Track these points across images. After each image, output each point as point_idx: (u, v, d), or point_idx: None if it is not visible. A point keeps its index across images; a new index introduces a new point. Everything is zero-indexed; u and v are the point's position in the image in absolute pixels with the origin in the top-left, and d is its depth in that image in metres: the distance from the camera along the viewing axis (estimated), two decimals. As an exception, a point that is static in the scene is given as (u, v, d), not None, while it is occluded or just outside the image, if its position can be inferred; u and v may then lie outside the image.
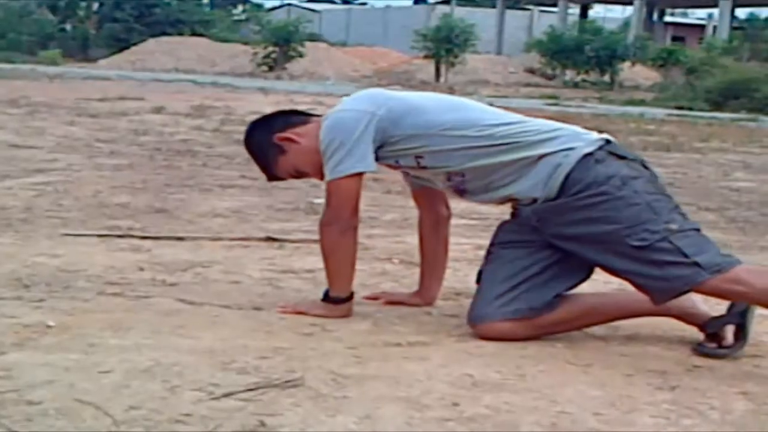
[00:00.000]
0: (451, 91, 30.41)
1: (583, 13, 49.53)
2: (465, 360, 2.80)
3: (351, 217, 3.12)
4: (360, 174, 3.06)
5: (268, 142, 3.27)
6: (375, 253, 4.36)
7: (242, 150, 5.08)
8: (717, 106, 22.78)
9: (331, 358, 2.74)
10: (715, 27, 49.26)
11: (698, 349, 3.00)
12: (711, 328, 3.03)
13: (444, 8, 48.58)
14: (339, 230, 3.12)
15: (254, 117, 3.60)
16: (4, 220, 4.73)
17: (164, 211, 5.21)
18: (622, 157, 3.03)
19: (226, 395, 2.38)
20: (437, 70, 35.05)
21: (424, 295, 3.48)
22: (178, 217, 5.06)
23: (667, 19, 55.31)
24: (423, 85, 32.99)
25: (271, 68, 37.90)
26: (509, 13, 51.55)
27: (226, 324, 3.05)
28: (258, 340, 2.88)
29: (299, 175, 3.31)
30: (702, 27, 52.59)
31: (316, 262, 4.04)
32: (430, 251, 3.50)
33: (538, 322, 3.02)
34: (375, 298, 3.48)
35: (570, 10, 49.01)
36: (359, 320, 3.17)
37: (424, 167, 3.16)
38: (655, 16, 51.65)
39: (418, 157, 3.13)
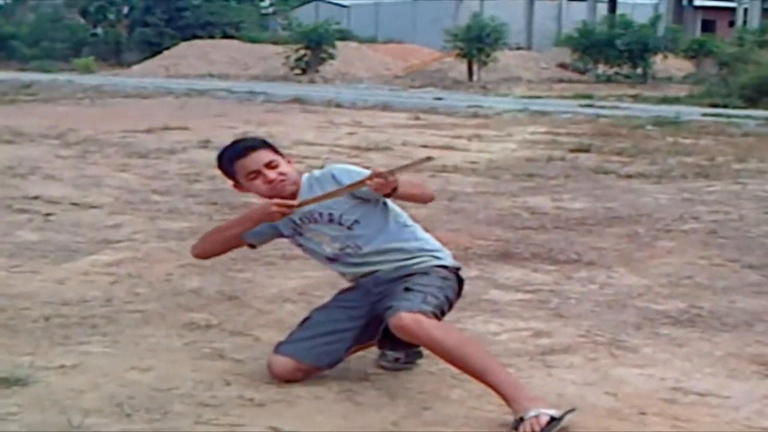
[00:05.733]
0: (484, 89, 30.65)
1: (612, 2, 49.40)
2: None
3: None
4: None
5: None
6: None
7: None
8: (752, 103, 22.89)
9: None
10: (745, 9, 49.13)
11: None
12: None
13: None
14: None
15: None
16: (88, 319, 5.02)
17: (235, 298, 5.48)
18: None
19: None
20: (470, 69, 35.23)
21: None
22: (249, 305, 5.33)
23: (697, 2, 55.07)
24: (456, 85, 33.26)
25: (303, 71, 38.21)
26: (538, 3, 51.56)
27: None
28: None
29: (276, 169, 4.14)
30: (732, 10, 52.31)
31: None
32: None
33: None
34: None
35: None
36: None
37: None
38: (685, 1, 51.47)
39: None
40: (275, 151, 4.19)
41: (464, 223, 7.86)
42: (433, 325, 3.76)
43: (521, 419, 3.52)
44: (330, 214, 4.12)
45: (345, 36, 45.00)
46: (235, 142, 4.27)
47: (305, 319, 4.26)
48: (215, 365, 4.34)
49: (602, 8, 47.31)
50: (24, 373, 4.09)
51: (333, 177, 4.11)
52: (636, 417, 3.78)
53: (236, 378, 4.16)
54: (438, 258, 4.19)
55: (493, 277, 6.08)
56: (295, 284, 5.81)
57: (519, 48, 43.34)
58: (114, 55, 51.50)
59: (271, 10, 62.66)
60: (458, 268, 4.28)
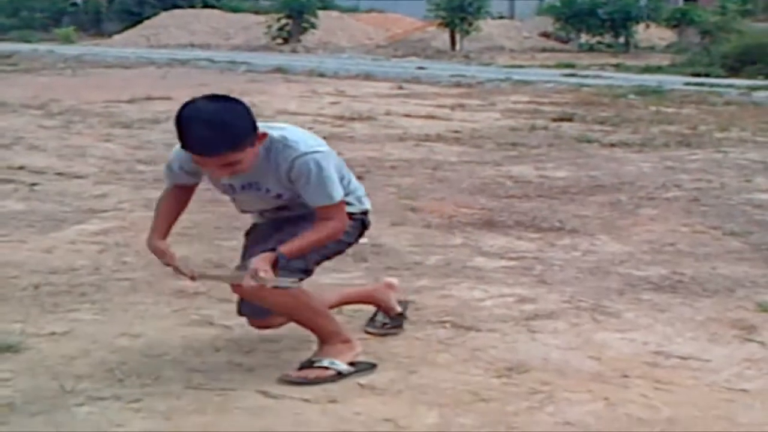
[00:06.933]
0: (467, 59, 30.64)
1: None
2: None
3: None
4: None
5: (253, 128, 3.63)
6: (426, 315, 4.67)
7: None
8: (734, 72, 22.90)
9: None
10: (728, -21, 49.13)
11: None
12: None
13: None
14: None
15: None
16: (77, 287, 5.08)
17: (222, 265, 5.52)
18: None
19: None
20: (452, 38, 35.19)
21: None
22: (236, 273, 5.38)
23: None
24: (438, 54, 33.22)
25: (285, 40, 38.10)
26: (520, -28, 51.41)
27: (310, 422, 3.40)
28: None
29: (231, 167, 3.63)
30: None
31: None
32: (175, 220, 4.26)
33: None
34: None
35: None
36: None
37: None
38: (667, -30, 51.47)
39: None
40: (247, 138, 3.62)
41: (448, 191, 7.91)
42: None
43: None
44: (268, 189, 3.89)
45: (327, 5, 44.72)
46: (185, 131, 3.64)
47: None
48: (204, 332, 4.40)
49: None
50: (15, 340, 4.15)
51: (290, 171, 3.77)
52: (618, 380, 3.86)
53: (225, 344, 4.23)
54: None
55: (477, 245, 6.15)
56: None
57: (501, 17, 43.23)
58: (94, 25, 51.09)
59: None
60: (365, 212, 4.13)
